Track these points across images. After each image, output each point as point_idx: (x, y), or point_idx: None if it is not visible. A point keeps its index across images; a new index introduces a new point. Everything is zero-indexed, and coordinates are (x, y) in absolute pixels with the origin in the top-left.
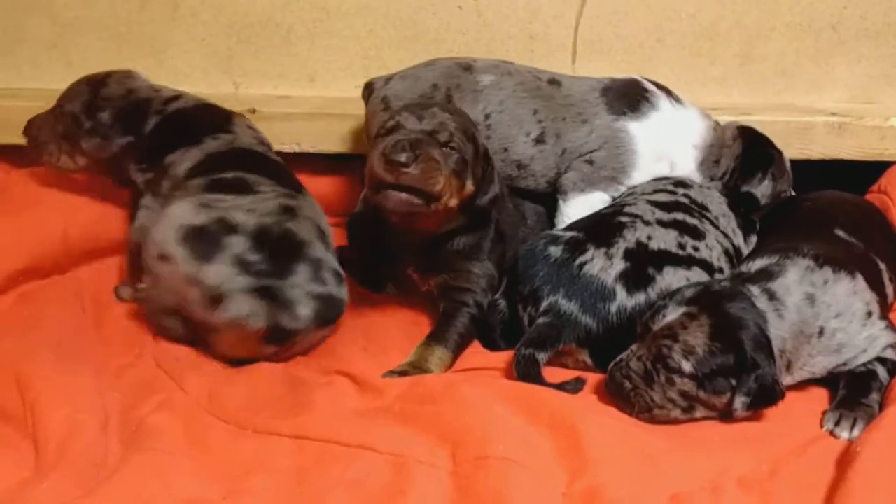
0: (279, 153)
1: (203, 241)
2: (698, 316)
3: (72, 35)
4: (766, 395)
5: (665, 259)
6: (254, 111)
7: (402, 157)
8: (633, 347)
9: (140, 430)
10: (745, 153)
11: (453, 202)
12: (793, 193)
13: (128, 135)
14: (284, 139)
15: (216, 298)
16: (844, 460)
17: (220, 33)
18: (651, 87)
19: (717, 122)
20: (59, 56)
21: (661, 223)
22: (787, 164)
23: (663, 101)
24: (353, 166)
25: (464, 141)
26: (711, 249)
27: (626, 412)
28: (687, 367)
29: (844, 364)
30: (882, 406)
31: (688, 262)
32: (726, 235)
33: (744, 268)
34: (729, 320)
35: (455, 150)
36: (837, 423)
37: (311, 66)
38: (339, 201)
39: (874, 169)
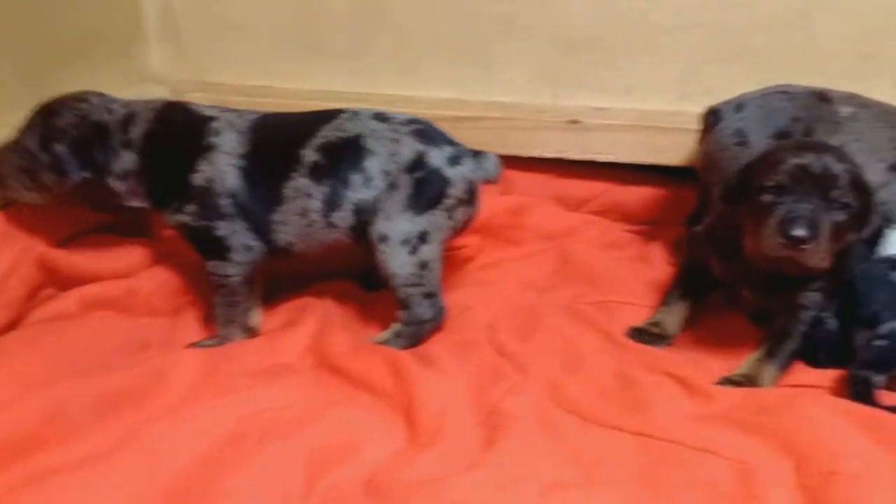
0: (591, 162)
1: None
2: None
3: (411, 46)
4: None
5: None
6: (576, 122)
7: (803, 233)
8: None
9: (495, 414)
10: None
11: (829, 262)
12: None
13: (85, 169)
14: (601, 149)
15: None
16: None
17: (547, 47)
18: None
19: None
20: (399, 65)
21: None
22: None
23: None
24: (656, 178)
25: (856, 196)
26: None
27: None
28: None
29: None
30: None
31: None
32: None
33: None
34: None
35: (847, 206)
36: None
37: (629, 80)
38: (645, 210)
39: None
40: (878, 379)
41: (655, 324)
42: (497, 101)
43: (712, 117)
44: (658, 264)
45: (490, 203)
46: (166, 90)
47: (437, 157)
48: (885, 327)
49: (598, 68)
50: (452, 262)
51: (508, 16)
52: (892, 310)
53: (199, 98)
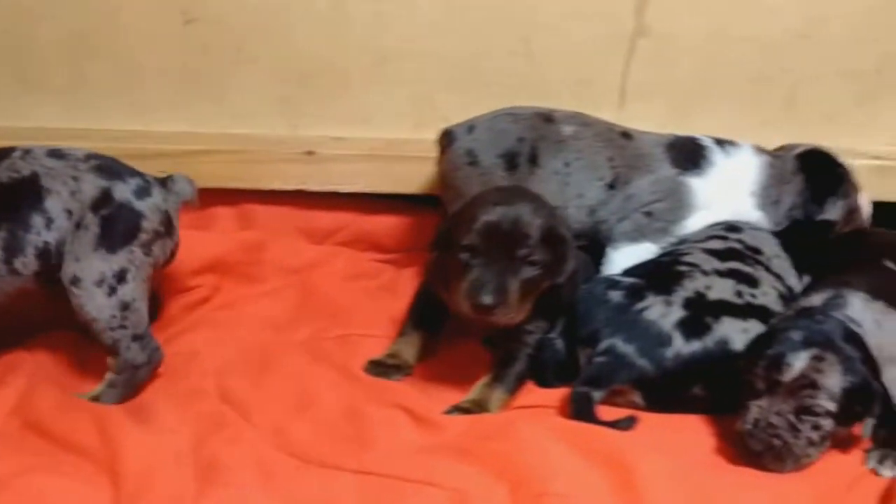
0: (335, 193)
1: None
2: (823, 357)
3: (135, 77)
4: (891, 415)
5: (723, 309)
6: (311, 153)
7: (489, 301)
8: (763, 404)
9: (212, 465)
10: (809, 184)
11: (524, 315)
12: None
13: None
14: (341, 180)
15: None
16: (887, 498)
17: (280, 77)
18: (708, 143)
19: (775, 157)
20: (123, 97)
21: (718, 273)
22: (854, 177)
23: (718, 156)
24: (403, 206)
25: (545, 248)
26: (767, 295)
27: (774, 469)
28: (833, 408)
29: None
30: None
31: (745, 311)
32: (779, 277)
33: (805, 303)
34: (848, 353)
35: (536, 264)
36: (881, 462)
37: (365, 109)
38: (394, 239)
39: None
40: (598, 395)
41: (393, 355)
42: (232, 133)
43: (446, 139)
44: (405, 293)
45: (227, 239)
46: None
47: (123, 190)
48: (604, 344)
49: (334, 98)
50: (185, 304)
51: (237, 45)
52: (610, 327)
53: None
